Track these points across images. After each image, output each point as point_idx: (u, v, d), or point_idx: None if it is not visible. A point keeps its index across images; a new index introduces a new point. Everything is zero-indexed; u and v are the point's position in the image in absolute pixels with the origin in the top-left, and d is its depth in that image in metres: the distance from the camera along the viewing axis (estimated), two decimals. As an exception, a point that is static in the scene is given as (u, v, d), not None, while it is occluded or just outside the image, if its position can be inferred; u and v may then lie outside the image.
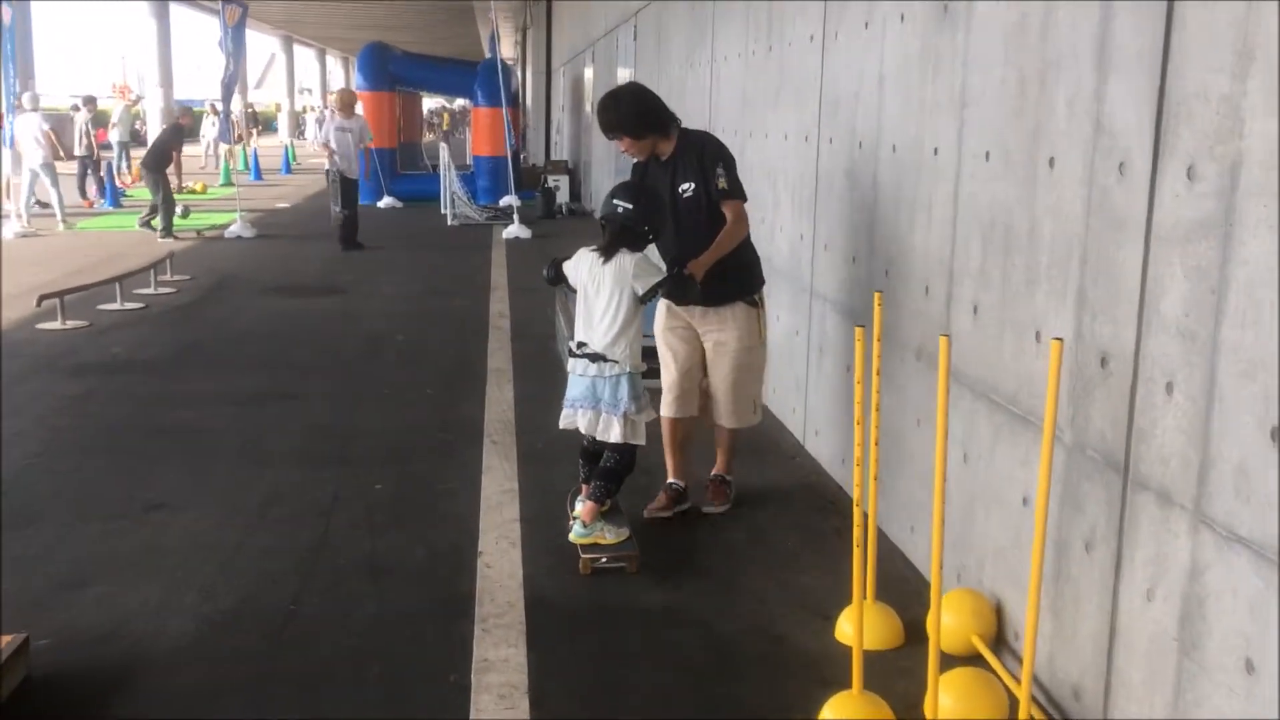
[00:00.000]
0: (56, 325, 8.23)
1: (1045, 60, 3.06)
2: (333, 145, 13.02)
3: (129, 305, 9.16)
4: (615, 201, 4.05)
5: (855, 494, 3.10)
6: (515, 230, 14.50)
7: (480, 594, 3.79)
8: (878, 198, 4.48)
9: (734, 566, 4.11)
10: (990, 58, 3.42)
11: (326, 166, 13.81)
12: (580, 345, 4.10)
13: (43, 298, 8.11)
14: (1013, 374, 3.25)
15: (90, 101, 20.96)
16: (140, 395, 6.45)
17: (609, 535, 4.07)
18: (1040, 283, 3.07)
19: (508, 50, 44.51)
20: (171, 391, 6.55)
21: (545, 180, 17.83)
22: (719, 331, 4.43)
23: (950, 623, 3.29)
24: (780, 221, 6.03)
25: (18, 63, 26.01)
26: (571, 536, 4.10)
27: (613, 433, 4.07)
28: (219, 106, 25.69)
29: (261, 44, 54.50)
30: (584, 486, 4.25)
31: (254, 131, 39.77)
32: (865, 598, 3.32)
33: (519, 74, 33.08)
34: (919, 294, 4.01)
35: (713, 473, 4.72)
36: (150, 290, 9.87)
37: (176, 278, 10.69)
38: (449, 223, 16.26)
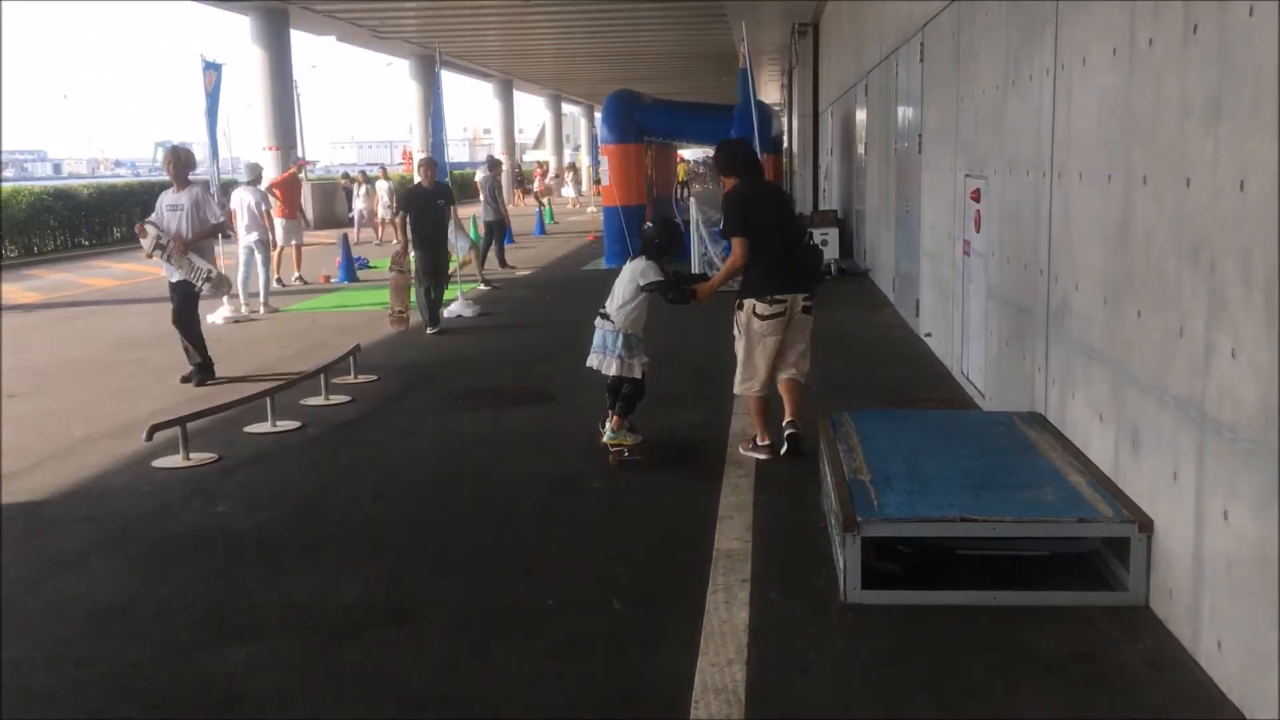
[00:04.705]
0: (178, 461, 6.44)
1: None
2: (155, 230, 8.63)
3: (282, 425, 7.26)
4: (648, 224, 6.59)
5: None
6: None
7: None
8: None
9: None
10: None
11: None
12: (602, 310, 6.24)
13: (153, 429, 6.32)
14: None
15: (495, 165, 19.03)
16: (192, 612, 4.33)
17: (629, 439, 6.20)
18: None
19: (773, 95, 42.24)
20: (237, 602, 4.41)
21: (810, 235, 15.14)
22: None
23: None
24: (1228, 338, 3.22)
25: (279, 130, 26.11)
26: (605, 439, 6.21)
27: (611, 368, 6.15)
28: (368, 173, 24.30)
29: (532, 105, 55.11)
30: (609, 413, 6.24)
31: (518, 193, 39.39)
32: None
33: (785, 120, 30.70)
34: None
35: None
36: (319, 401, 8.02)
37: (360, 379, 8.82)
38: (698, 290, 13.95)
